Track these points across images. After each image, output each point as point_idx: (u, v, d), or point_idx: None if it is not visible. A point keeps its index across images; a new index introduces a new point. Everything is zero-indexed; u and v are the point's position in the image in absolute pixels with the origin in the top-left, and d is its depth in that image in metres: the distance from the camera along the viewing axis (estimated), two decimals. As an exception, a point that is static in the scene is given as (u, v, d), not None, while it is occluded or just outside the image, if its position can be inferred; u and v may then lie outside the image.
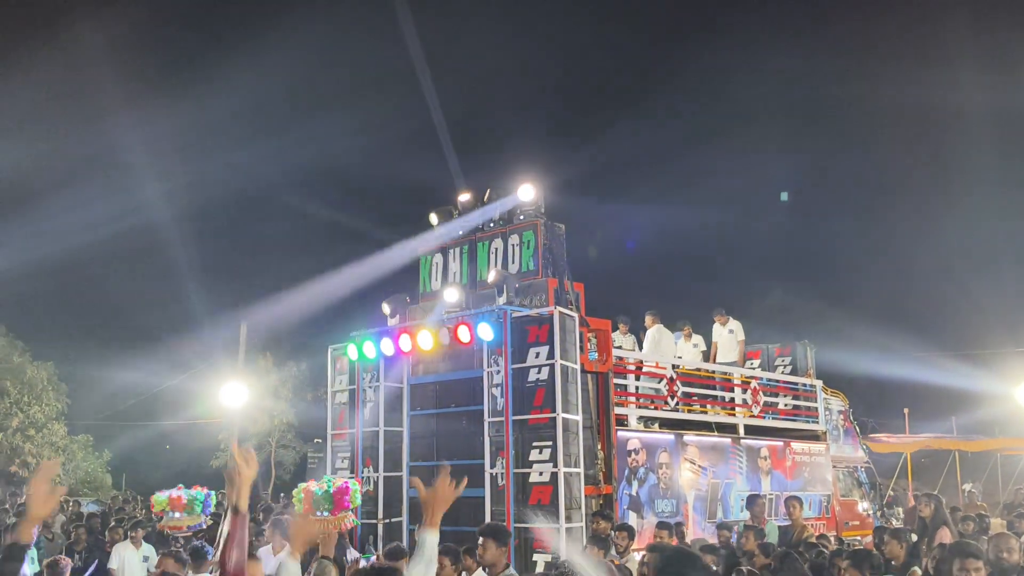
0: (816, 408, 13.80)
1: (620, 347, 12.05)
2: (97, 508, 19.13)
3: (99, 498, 25.81)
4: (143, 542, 10.00)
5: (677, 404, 11.28)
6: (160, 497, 9.20)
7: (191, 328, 32.13)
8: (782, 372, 14.27)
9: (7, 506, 16.14)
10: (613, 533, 8.34)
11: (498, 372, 9.45)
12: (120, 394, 31.69)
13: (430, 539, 3.32)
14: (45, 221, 30.06)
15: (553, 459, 8.91)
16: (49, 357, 29.99)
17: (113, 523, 11.81)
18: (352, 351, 10.77)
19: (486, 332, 9.35)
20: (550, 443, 8.95)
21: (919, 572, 6.82)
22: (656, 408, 11.07)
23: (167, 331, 33.21)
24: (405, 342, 10.12)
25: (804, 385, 13.92)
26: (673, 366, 11.54)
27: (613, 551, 7.67)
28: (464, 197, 11.64)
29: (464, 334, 9.51)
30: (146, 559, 9.79)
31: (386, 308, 11.34)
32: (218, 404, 26.15)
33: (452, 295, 10.62)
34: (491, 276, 10.27)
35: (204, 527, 9.48)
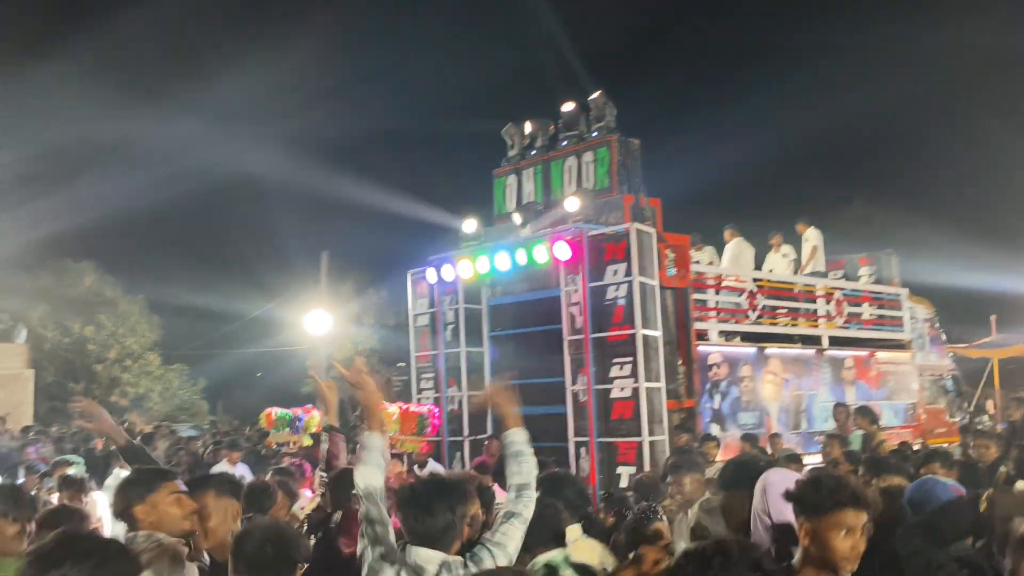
0: (901, 317, 13.50)
1: (698, 262, 11.93)
2: (195, 433, 20.01)
3: (196, 424, 27.04)
4: (240, 463, 10.47)
5: (758, 317, 11.17)
6: (283, 414, 9.58)
7: (277, 257, 32.97)
8: (866, 282, 13.96)
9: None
10: (698, 445, 8.41)
11: (576, 291, 9.49)
12: (212, 323, 32.83)
13: (514, 437, 3.35)
14: (137, 162, 30.99)
15: (634, 375, 8.97)
16: (141, 290, 31.23)
17: (212, 446, 12.39)
18: (431, 275, 10.92)
19: (562, 251, 9.35)
20: (630, 359, 9.01)
21: (1005, 471, 6.72)
22: (737, 322, 10.99)
23: (255, 261, 34.14)
24: (482, 264, 10.20)
25: (888, 294, 13.60)
26: (753, 279, 11.39)
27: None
28: (536, 118, 11.54)
29: (541, 254, 9.53)
30: (242, 478, 10.26)
31: (463, 231, 11.42)
32: (303, 332, 26.94)
33: (527, 215, 10.62)
34: (566, 195, 10.23)
35: (303, 445, 9.87)
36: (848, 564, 2.60)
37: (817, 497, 2.67)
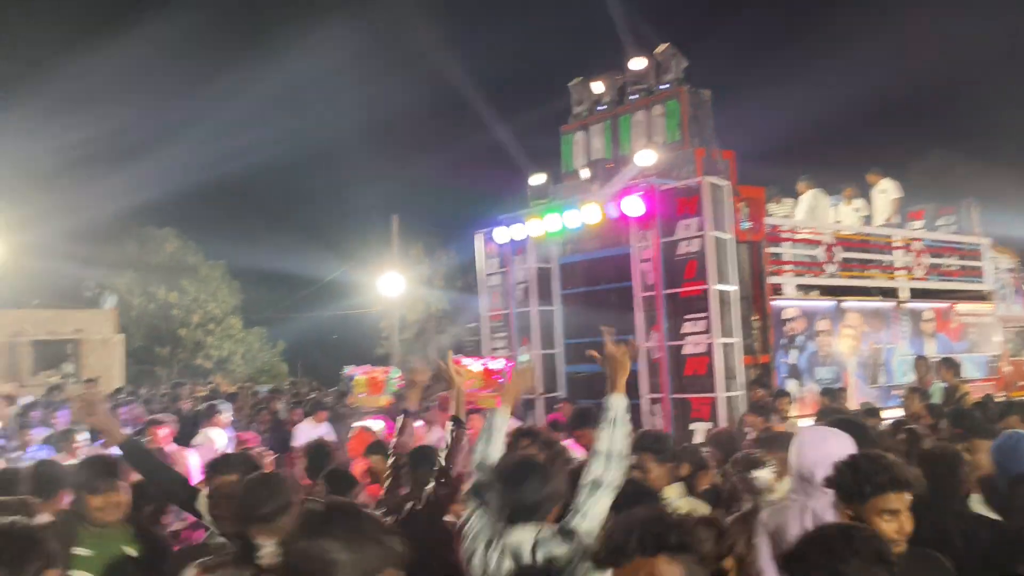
0: (982, 267, 13.05)
1: (773, 215, 11.70)
2: (271, 394, 20.51)
3: (276, 385, 27.82)
4: (325, 422, 10.75)
5: (835, 270, 10.93)
6: (360, 378, 9.81)
7: (351, 221, 33.45)
8: (946, 232, 13.51)
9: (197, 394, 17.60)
10: (773, 400, 8.32)
11: (647, 247, 9.41)
12: (289, 288, 33.61)
13: (615, 402, 3.33)
14: (217, 133, 31.71)
15: (707, 331, 8.90)
16: (221, 256, 32.12)
17: (293, 405, 12.74)
18: (501, 234, 10.96)
19: (633, 207, 9.28)
20: (704, 315, 8.93)
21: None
22: (814, 275, 10.78)
23: (330, 225, 34.72)
24: (552, 222, 10.19)
25: (969, 244, 13.14)
26: (830, 231, 11.13)
27: (774, 418, 7.68)
28: (604, 73, 11.39)
29: (611, 210, 9.47)
30: (326, 435, 10.55)
31: (531, 189, 11.41)
32: (376, 294, 27.40)
33: (596, 171, 10.55)
34: (635, 150, 10.11)
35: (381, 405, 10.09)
36: (896, 546, 2.51)
37: (856, 483, 2.60)
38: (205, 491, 3.71)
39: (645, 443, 4.30)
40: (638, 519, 2.14)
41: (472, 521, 3.20)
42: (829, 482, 2.72)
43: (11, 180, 25.71)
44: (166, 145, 30.57)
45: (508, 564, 2.95)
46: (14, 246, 24.16)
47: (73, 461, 6.65)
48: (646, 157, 9.86)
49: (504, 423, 3.58)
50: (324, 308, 34.58)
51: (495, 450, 3.46)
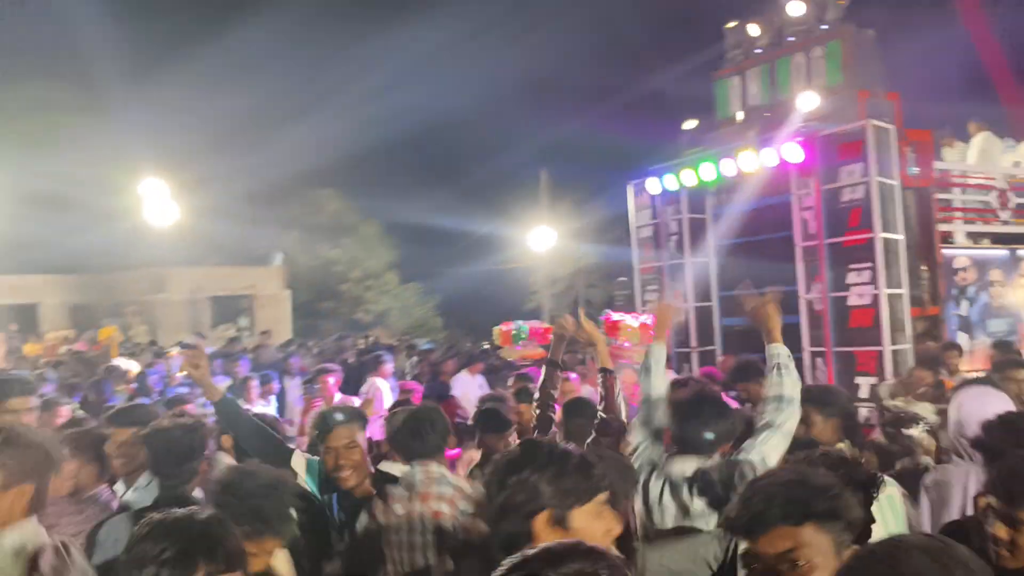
0: None
1: (943, 160, 10.99)
2: (431, 346, 21.26)
3: (432, 338, 28.78)
4: (479, 374, 11.07)
5: (1010, 217, 10.18)
6: (506, 329, 10.05)
7: (501, 176, 33.84)
8: None
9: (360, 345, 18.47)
10: (942, 353, 7.92)
11: (808, 195, 9.07)
12: (442, 243, 34.44)
13: (775, 350, 3.34)
14: (372, 95, 32.75)
15: (873, 281, 8.52)
16: (378, 214, 33.31)
17: (448, 358, 13.17)
18: (653, 185, 10.82)
19: (793, 153, 8.94)
20: (868, 264, 8.56)
21: None
22: (986, 223, 10.09)
23: (480, 181, 35.25)
24: (706, 171, 9.97)
25: None
26: (1005, 176, 10.35)
27: (944, 372, 7.31)
28: (760, 14, 10.96)
29: (769, 157, 9.17)
30: (480, 386, 10.88)
31: (684, 138, 11.20)
32: (527, 249, 27.72)
33: (753, 117, 10.22)
34: (795, 94, 9.72)
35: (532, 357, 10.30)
36: None
37: (1003, 442, 2.44)
38: (299, 450, 3.85)
39: (811, 396, 4.03)
40: (780, 482, 1.96)
41: (639, 451, 3.29)
42: (975, 442, 2.60)
43: (185, 146, 27.52)
44: (327, 109, 31.74)
45: (669, 493, 3.02)
46: (191, 208, 25.94)
47: (249, 407, 7.18)
48: (807, 101, 9.47)
49: (662, 355, 3.64)
50: (476, 263, 35.27)
51: (658, 383, 3.53)
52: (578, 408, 4.51)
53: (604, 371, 4.29)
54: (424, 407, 3.69)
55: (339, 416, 3.58)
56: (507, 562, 1.44)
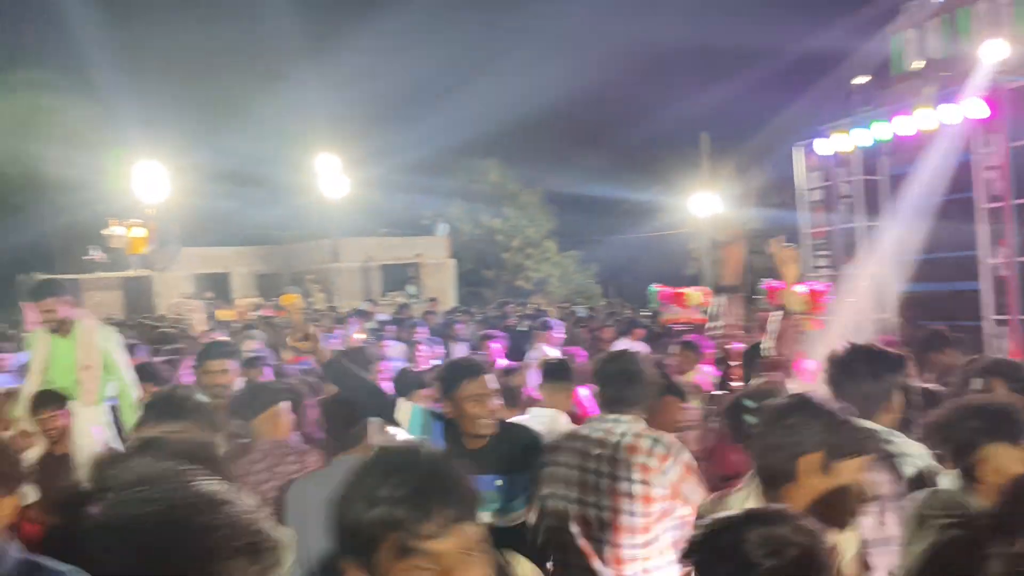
0: None
1: None
2: (586, 313, 21.38)
3: (591, 305, 28.91)
4: (640, 340, 11.12)
5: None
6: (653, 290, 10.10)
7: (660, 141, 33.40)
8: None
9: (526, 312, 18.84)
10: None
11: (994, 153, 8.51)
12: (601, 211, 34.41)
13: None
14: (534, 64, 33.07)
15: (1071, 243, 7.94)
16: (538, 183, 33.66)
17: (607, 324, 13.25)
18: (822, 146, 10.43)
19: (977, 108, 8.40)
20: (1064, 226, 7.97)
21: None
22: None
23: (639, 147, 34.92)
24: (880, 130, 9.52)
25: None
26: None
27: None
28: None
29: (950, 113, 8.65)
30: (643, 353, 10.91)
31: (856, 96, 10.71)
32: (687, 214, 27.29)
33: (931, 71, 9.65)
34: (979, 45, 9.09)
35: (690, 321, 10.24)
36: None
37: None
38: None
39: (999, 368, 3.74)
40: (973, 406, 2.19)
41: None
42: None
43: (353, 120, 28.78)
44: (487, 79, 32.28)
45: None
46: (360, 180, 27.19)
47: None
48: (993, 50, 8.84)
49: None
50: (635, 230, 35.04)
51: None
52: (755, 353, 4.41)
53: (781, 310, 4.12)
54: (633, 354, 3.57)
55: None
56: (713, 520, 1.61)
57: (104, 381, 5.31)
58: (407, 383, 5.06)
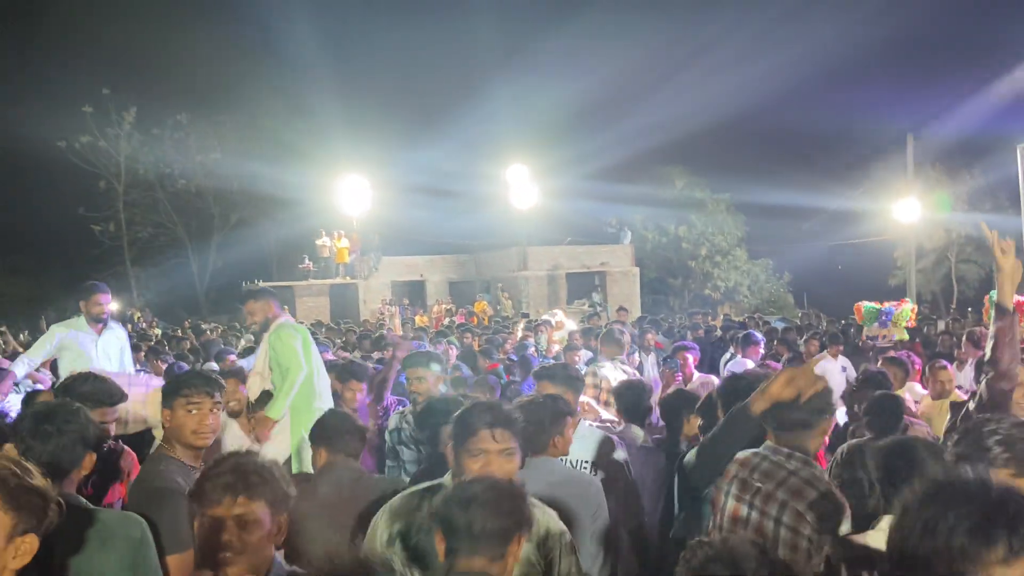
0: None
1: None
2: (785, 324, 20.63)
3: (784, 316, 27.92)
4: (841, 355, 10.67)
5: None
6: (869, 307, 9.71)
7: (857, 147, 31.99)
8: None
9: (713, 320, 18.54)
10: None
11: None
12: (793, 218, 33.29)
13: None
14: (718, 70, 32.63)
15: None
16: (726, 190, 33.00)
17: (808, 337, 12.77)
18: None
19: None
20: None
21: None
22: None
23: (834, 153, 33.59)
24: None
25: None
26: None
27: None
28: None
29: None
30: (844, 369, 10.45)
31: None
32: (890, 221, 25.89)
33: None
34: None
35: (897, 339, 9.79)
36: None
37: None
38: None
39: None
40: None
41: None
42: None
43: (542, 131, 29.41)
44: (672, 87, 32.11)
45: None
46: (546, 190, 27.73)
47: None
48: None
49: None
50: (830, 238, 33.65)
51: None
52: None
53: (999, 309, 3.76)
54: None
55: None
56: None
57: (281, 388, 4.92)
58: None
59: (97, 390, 3.44)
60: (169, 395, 3.05)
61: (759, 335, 9.43)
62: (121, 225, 29.41)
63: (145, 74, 29.07)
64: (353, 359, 7.68)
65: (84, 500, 2.57)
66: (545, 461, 3.45)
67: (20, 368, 5.87)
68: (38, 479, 1.80)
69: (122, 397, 3.58)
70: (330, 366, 5.61)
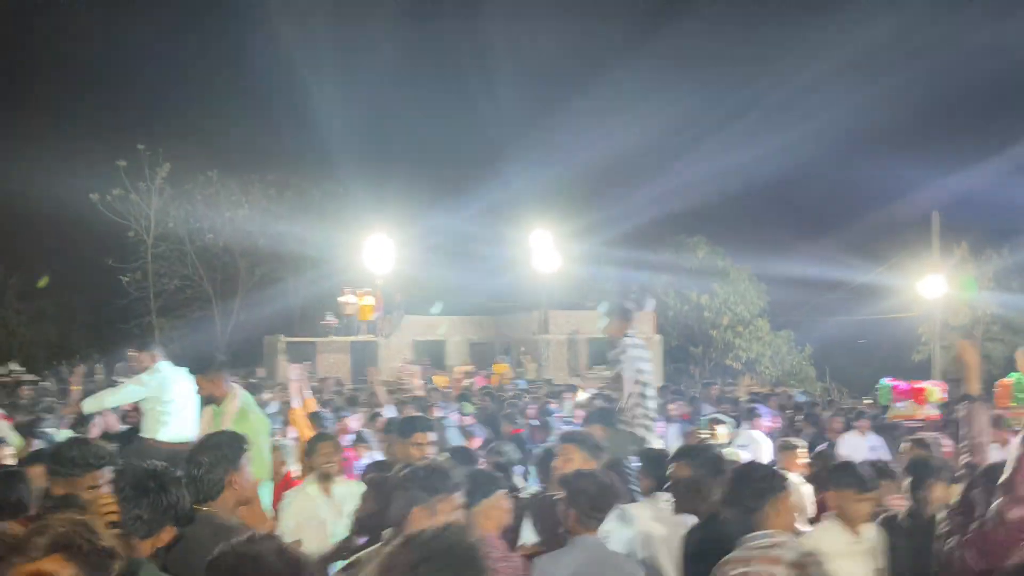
0: None
1: None
2: (805, 398, 20.42)
3: (805, 389, 27.64)
4: (869, 432, 10.47)
5: None
6: (885, 384, 9.59)
7: (882, 221, 32.00)
8: None
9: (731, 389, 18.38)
10: None
11: None
12: (815, 290, 33.15)
13: None
14: (740, 143, 33.00)
15: None
16: (748, 260, 33.01)
17: (832, 413, 12.58)
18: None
19: None
20: None
21: None
22: None
23: (860, 228, 33.59)
24: None
25: None
26: None
27: None
28: None
29: None
30: (873, 448, 10.23)
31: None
32: (915, 297, 25.75)
33: None
34: None
35: (926, 419, 9.65)
36: None
37: None
38: None
39: None
40: None
41: None
42: None
43: (563, 197, 29.73)
44: (695, 156, 32.49)
45: None
46: (568, 254, 27.85)
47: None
48: None
49: None
50: (853, 312, 33.43)
51: None
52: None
53: (968, 398, 3.87)
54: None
55: None
56: None
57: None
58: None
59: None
60: None
61: (763, 409, 9.41)
62: (148, 276, 29.74)
63: (179, 131, 29.83)
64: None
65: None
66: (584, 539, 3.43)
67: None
68: (107, 539, 1.84)
69: None
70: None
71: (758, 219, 38.82)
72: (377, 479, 3.98)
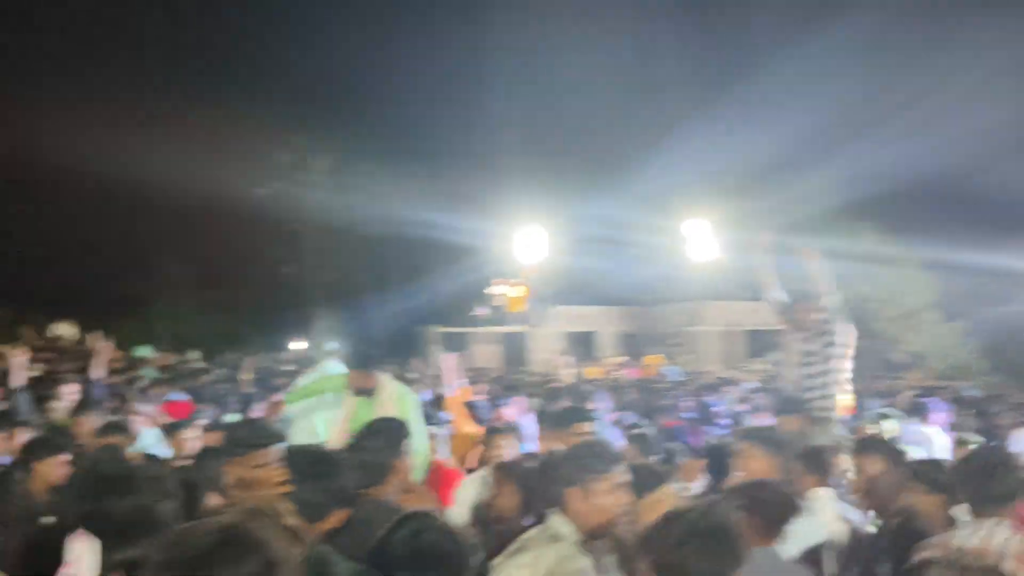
0: None
1: None
2: (974, 393, 19.00)
3: (975, 384, 25.76)
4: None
5: None
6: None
7: None
8: None
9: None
10: None
11: None
12: (988, 280, 30.95)
13: None
14: (913, 123, 31.10)
15: None
16: (919, 248, 31.10)
17: (1002, 409, 11.55)
18: None
19: None
20: None
21: None
22: None
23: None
24: None
25: None
26: None
27: None
28: None
29: None
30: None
31: None
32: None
33: None
34: None
35: None
36: None
37: None
38: None
39: None
40: None
41: None
42: None
43: (721, 185, 28.80)
44: (863, 142, 30.75)
45: None
46: (726, 243, 27.00)
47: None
48: None
49: None
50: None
51: None
52: None
53: None
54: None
55: None
56: None
57: None
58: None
59: None
60: None
61: (937, 402, 8.87)
62: (306, 268, 31.01)
63: (340, 125, 30.86)
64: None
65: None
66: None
67: None
68: (290, 519, 1.89)
69: None
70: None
71: (930, 205, 36.50)
72: (509, 465, 3.93)
